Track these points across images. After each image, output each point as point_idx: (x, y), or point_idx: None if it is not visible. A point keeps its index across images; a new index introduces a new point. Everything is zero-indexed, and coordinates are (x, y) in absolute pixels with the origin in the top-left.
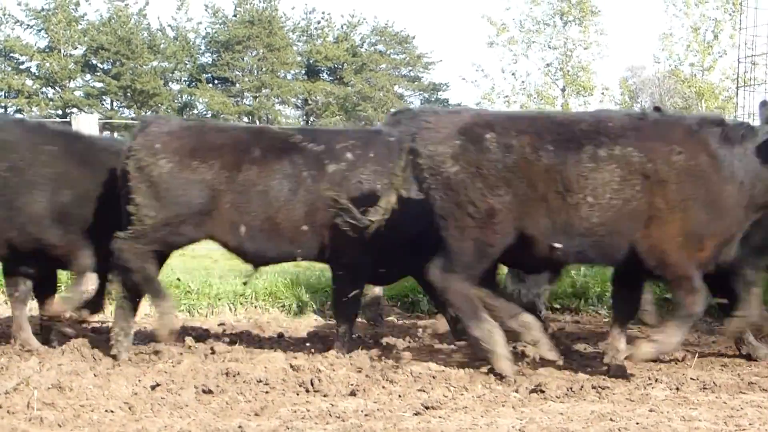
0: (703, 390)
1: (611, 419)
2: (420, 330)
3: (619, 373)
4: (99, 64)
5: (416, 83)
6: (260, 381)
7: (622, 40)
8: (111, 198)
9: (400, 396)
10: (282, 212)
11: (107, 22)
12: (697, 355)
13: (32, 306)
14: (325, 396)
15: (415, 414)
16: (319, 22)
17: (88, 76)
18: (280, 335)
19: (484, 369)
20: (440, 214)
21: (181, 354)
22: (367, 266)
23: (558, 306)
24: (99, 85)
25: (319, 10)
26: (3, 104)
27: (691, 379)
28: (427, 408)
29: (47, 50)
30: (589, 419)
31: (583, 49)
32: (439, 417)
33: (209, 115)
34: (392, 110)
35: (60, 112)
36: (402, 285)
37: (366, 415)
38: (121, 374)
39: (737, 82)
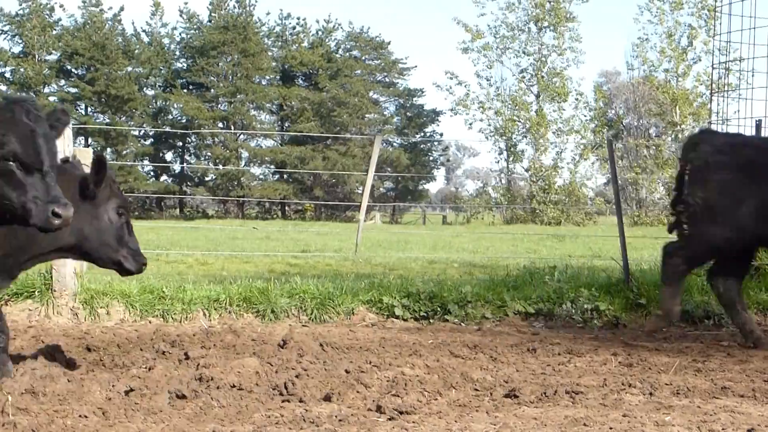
0: (676, 395)
1: (585, 424)
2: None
3: None
4: (73, 70)
5: (391, 89)
6: (234, 386)
7: (597, 46)
8: None
9: (374, 401)
10: None
11: (82, 28)
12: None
13: None
14: (299, 401)
15: (390, 419)
16: (294, 28)
17: (62, 82)
18: (255, 340)
19: (458, 374)
20: None
21: (155, 359)
22: None
23: (532, 311)
24: (73, 90)
25: (294, 16)
26: None
27: (664, 383)
28: (401, 413)
29: (22, 56)
30: (562, 424)
31: (557, 55)
32: (413, 422)
33: (183, 121)
34: None
35: None
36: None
37: (340, 420)
38: (94, 379)
39: (711, 88)
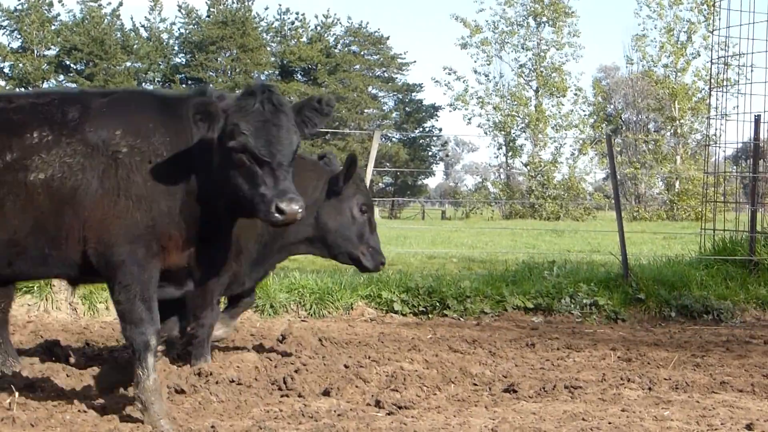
0: (675, 390)
1: (583, 419)
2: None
3: None
4: (72, 65)
5: (390, 84)
6: (233, 381)
7: (596, 41)
8: None
9: (373, 396)
10: None
11: (80, 23)
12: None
13: None
14: (298, 396)
15: (388, 414)
16: (293, 23)
17: (61, 77)
18: (254, 335)
19: (457, 369)
20: None
21: None
22: None
23: (531, 305)
24: (72, 85)
25: (292, 11)
26: None
27: (663, 378)
28: (400, 408)
29: (20, 51)
30: (561, 419)
31: (556, 50)
32: (412, 417)
33: None
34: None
35: None
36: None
37: (339, 415)
38: (93, 374)
39: (710, 83)
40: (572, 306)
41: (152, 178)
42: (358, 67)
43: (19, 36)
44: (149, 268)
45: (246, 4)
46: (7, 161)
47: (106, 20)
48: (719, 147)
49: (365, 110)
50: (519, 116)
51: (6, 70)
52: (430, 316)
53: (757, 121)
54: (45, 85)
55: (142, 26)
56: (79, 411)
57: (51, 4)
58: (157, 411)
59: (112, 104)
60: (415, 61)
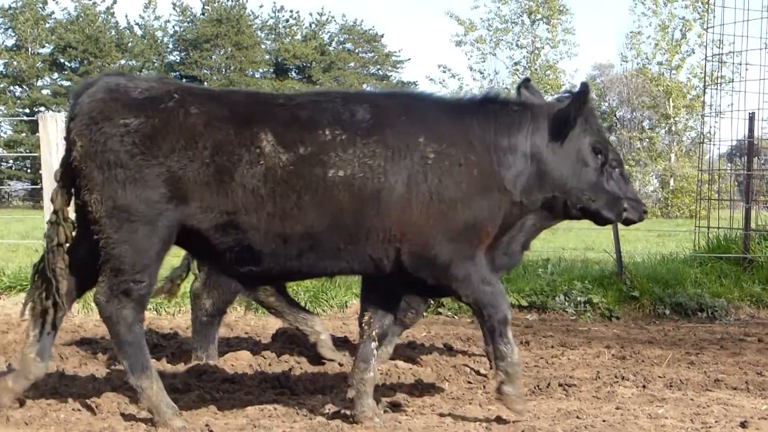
0: (669, 387)
1: (578, 417)
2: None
3: None
4: (67, 63)
5: (385, 82)
6: (227, 379)
7: (590, 38)
8: None
9: None
10: None
11: (75, 21)
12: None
13: None
14: (292, 394)
15: (383, 412)
16: (287, 21)
17: (55, 75)
18: (248, 334)
19: (451, 367)
20: None
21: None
22: None
23: (525, 303)
24: (67, 83)
25: (287, 8)
26: None
27: (657, 376)
28: (394, 406)
29: (14, 49)
30: (555, 417)
31: (550, 48)
32: (407, 415)
33: None
34: None
35: (27, 110)
36: None
37: (333, 413)
38: (87, 373)
39: (704, 80)
40: (566, 304)
41: (465, 179)
42: (352, 64)
43: (13, 34)
44: (479, 256)
45: (240, 1)
46: (300, 154)
47: (100, 18)
48: (714, 144)
49: None
50: None
51: (0, 68)
52: (424, 314)
53: (752, 118)
54: (39, 83)
55: (137, 24)
56: (73, 410)
57: (45, 2)
58: (517, 389)
59: (407, 109)
60: (409, 59)
